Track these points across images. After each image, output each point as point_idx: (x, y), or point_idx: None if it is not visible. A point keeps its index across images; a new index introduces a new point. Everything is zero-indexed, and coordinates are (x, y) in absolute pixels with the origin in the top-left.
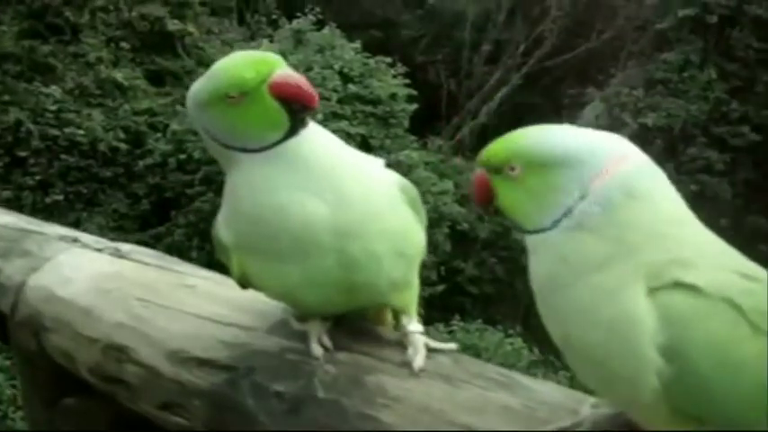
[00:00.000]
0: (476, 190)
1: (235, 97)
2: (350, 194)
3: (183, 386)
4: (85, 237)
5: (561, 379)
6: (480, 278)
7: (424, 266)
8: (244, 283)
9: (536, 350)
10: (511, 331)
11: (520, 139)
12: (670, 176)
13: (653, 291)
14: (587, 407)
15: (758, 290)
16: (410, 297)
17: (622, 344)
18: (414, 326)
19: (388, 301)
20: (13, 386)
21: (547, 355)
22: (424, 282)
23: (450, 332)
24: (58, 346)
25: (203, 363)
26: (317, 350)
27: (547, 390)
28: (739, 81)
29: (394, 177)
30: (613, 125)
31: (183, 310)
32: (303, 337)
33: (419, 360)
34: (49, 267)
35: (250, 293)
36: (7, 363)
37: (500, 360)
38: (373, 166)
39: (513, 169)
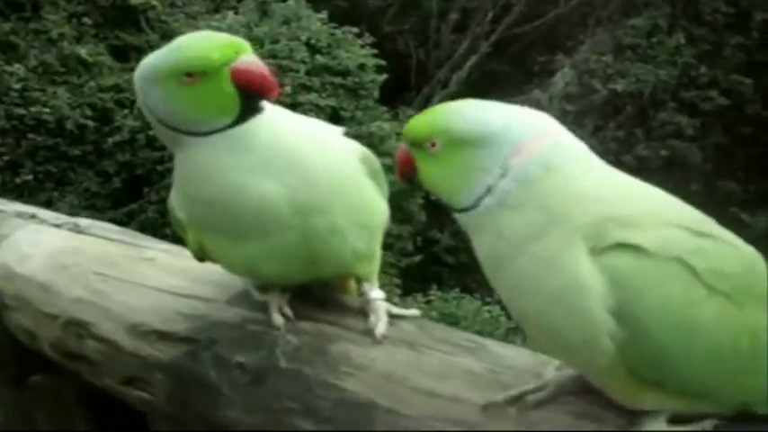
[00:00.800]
0: (398, 164)
1: (193, 76)
2: (310, 172)
3: (145, 360)
4: (43, 212)
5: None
6: (456, 248)
7: (399, 237)
8: (201, 257)
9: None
10: (488, 299)
11: (442, 116)
12: (641, 142)
13: (596, 252)
14: (551, 369)
15: (711, 247)
16: (373, 266)
17: (572, 309)
18: (375, 293)
19: (351, 270)
20: None
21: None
22: (401, 252)
23: (428, 302)
24: (19, 324)
25: (163, 336)
26: (278, 320)
27: (512, 354)
28: (708, 45)
29: (355, 148)
30: (583, 92)
31: (143, 284)
32: (264, 308)
33: (381, 327)
34: (6, 245)
35: (208, 265)
36: None
37: (478, 328)
38: (333, 137)
39: (433, 145)
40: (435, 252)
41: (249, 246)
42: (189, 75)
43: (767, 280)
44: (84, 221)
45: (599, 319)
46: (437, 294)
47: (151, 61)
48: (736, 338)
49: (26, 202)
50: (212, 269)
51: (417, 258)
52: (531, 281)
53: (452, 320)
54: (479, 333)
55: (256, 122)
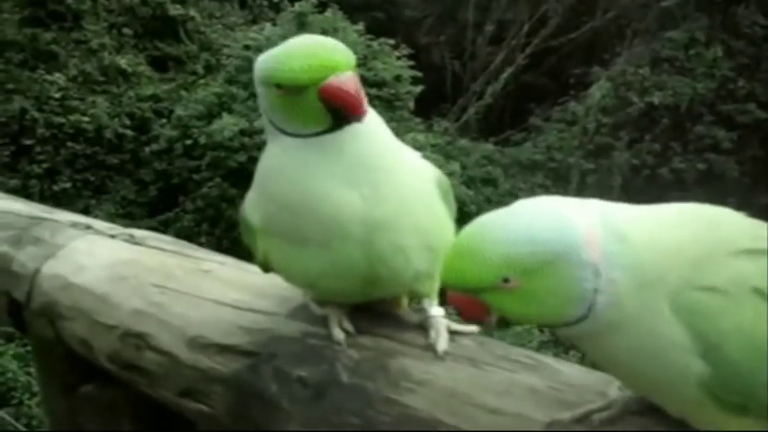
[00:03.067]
0: (466, 313)
1: (283, 89)
2: (385, 189)
3: (204, 373)
4: (98, 223)
5: (571, 358)
6: None
7: None
8: (266, 267)
9: (546, 330)
10: None
11: (497, 250)
12: (677, 155)
13: (674, 303)
14: (614, 388)
15: None
16: (434, 284)
17: (661, 362)
18: (435, 309)
19: (410, 290)
20: (28, 373)
21: (557, 335)
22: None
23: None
24: (75, 333)
25: (224, 349)
26: (338, 335)
27: (572, 371)
28: (745, 58)
29: (431, 171)
30: (619, 104)
31: (201, 296)
32: (324, 322)
33: (442, 343)
34: (62, 255)
35: (266, 278)
36: (21, 350)
37: (511, 341)
38: (412, 159)
39: (506, 282)
40: None
41: (313, 255)
42: (279, 87)
43: None
44: (138, 232)
45: (685, 362)
46: None
47: (260, 60)
48: None
49: (63, 210)
50: (271, 282)
51: None
52: (627, 353)
53: (499, 338)
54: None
55: (349, 131)
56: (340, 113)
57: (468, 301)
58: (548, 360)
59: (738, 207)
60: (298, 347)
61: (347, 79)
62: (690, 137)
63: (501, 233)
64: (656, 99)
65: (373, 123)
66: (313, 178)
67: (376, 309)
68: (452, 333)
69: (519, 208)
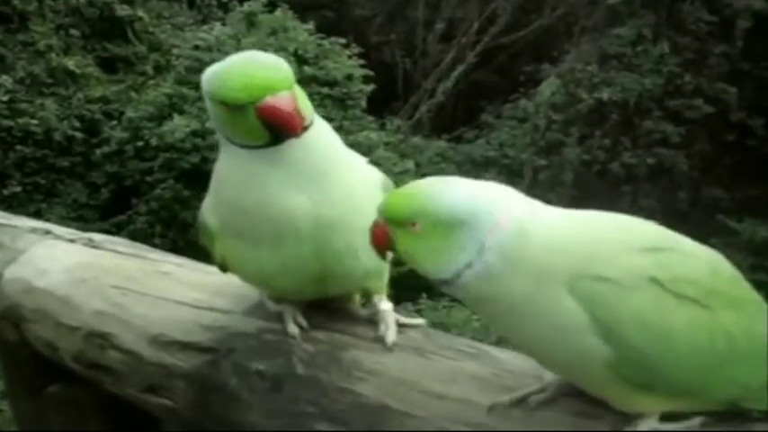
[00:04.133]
0: (373, 238)
1: (226, 105)
2: (333, 192)
3: (167, 369)
4: (57, 228)
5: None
6: None
7: None
8: (224, 267)
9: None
10: None
11: (423, 198)
12: (627, 150)
13: (573, 290)
14: (549, 373)
15: (672, 259)
16: (383, 282)
17: (569, 344)
18: (384, 304)
19: (362, 287)
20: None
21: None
22: (391, 262)
23: (419, 310)
24: (40, 336)
25: (185, 346)
26: (293, 329)
27: (512, 358)
28: (691, 54)
29: (377, 177)
30: (569, 101)
31: (161, 296)
32: (279, 318)
33: (391, 335)
34: (24, 260)
35: (223, 278)
36: None
37: (469, 336)
38: (359, 164)
39: (414, 225)
40: None
41: (266, 256)
42: (222, 103)
43: (733, 279)
44: (97, 237)
45: (590, 344)
46: (427, 303)
47: (205, 75)
48: (711, 338)
49: (14, 213)
50: (227, 282)
51: (407, 267)
52: (532, 332)
53: (443, 329)
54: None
55: (293, 142)
56: (276, 132)
57: (380, 230)
58: (488, 348)
59: (688, 200)
60: (255, 343)
61: (283, 99)
62: (639, 132)
63: (443, 191)
64: (605, 95)
65: (320, 131)
66: (263, 185)
67: (329, 305)
68: (401, 326)
69: (469, 182)
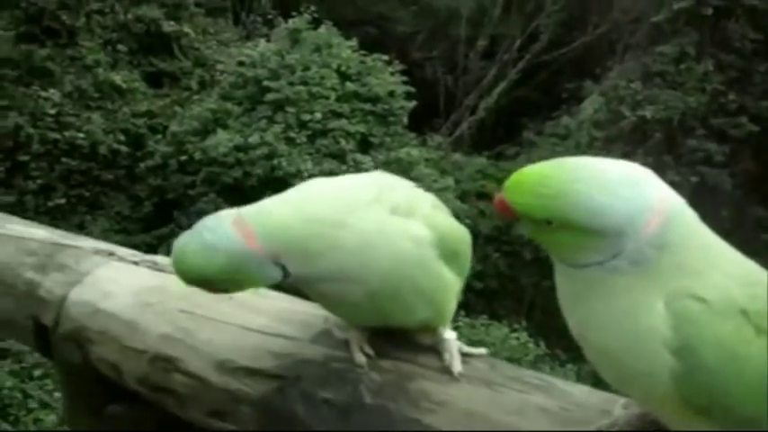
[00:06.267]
0: (499, 212)
1: None
2: (379, 268)
3: (233, 394)
4: (121, 250)
5: (568, 372)
6: (484, 273)
7: None
8: None
9: (542, 344)
10: (516, 326)
11: (562, 203)
12: (670, 168)
13: (669, 302)
14: (619, 407)
15: (761, 294)
16: (444, 320)
17: (640, 350)
18: (448, 333)
19: (421, 328)
20: (23, 390)
21: (553, 349)
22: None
23: (456, 328)
24: (104, 358)
25: (252, 372)
26: (360, 358)
27: (579, 392)
28: (736, 72)
29: (429, 236)
30: (612, 118)
31: (227, 321)
32: (346, 346)
33: (457, 364)
34: (88, 281)
35: (286, 303)
36: (16, 367)
37: (507, 355)
38: (406, 227)
39: (549, 223)
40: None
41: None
42: None
43: None
44: (160, 259)
45: (662, 357)
46: (465, 321)
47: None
48: None
49: (58, 225)
50: (291, 308)
51: None
52: (608, 325)
53: (481, 346)
54: (509, 359)
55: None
56: None
57: (504, 205)
58: (555, 381)
59: (732, 219)
60: (322, 371)
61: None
62: (682, 150)
63: (583, 195)
64: (648, 113)
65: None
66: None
67: (393, 332)
68: (464, 355)
69: (611, 177)
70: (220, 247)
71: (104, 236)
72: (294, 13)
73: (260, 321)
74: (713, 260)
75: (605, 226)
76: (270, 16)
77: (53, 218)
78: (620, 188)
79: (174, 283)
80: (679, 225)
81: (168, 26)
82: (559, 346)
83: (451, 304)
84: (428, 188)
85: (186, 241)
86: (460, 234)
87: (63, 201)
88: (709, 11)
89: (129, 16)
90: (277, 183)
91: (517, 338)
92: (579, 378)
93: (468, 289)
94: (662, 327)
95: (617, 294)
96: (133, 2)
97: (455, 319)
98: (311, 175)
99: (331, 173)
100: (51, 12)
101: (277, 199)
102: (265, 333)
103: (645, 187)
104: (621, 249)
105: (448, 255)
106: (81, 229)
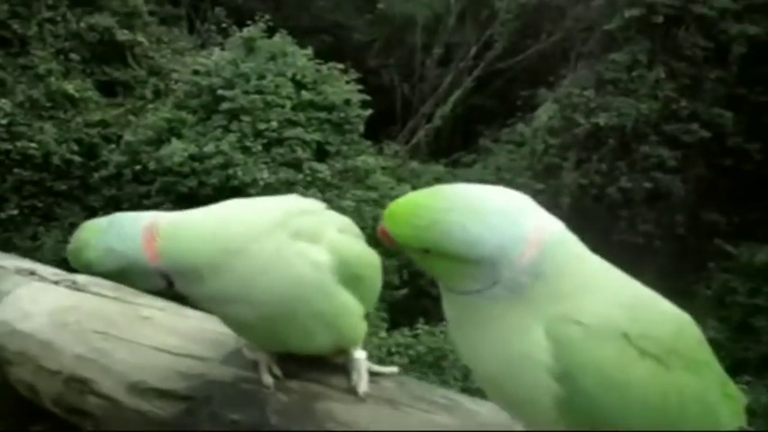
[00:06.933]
0: (383, 241)
1: None
2: (274, 290)
3: (144, 416)
4: (42, 269)
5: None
6: None
7: (386, 271)
8: None
9: None
10: None
11: (436, 234)
12: (624, 174)
13: (548, 327)
14: (520, 426)
15: (644, 316)
16: (351, 342)
17: (521, 377)
18: (358, 353)
19: (325, 354)
20: None
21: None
22: (387, 286)
23: (416, 335)
24: (21, 378)
25: (162, 393)
26: (267, 379)
27: (486, 411)
28: (687, 79)
29: (330, 260)
30: (566, 125)
31: (141, 342)
32: (255, 367)
33: (363, 385)
34: (8, 301)
35: (198, 322)
36: None
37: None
38: (306, 254)
39: (427, 251)
40: (422, 285)
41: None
42: None
43: (697, 343)
44: (81, 278)
45: (543, 383)
46: (424, 328)
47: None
48: (664, 396)
49: (11, 237)
50: (206, 327)
51: (404, 292)
52: (494, 353)
53: (440, 354)
54: (467, 367)
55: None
56: None
57: (386, 236)
58: (463, 400)
59: (685, 224)
60: (231, 391)
61: None
62: (636, 156)
63: (454, 224)
64: (601, 120)
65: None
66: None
67: None
68: (373, 374)
69: (481, 206)
70: (119, 250)
71: (58, 247)
72: (249, 22)
73: (171, 341)
74: (593, 284)
75: (479, 256)
76: (224, 25)
77: (6, 229)
78: (494, 218)
79: (91, 303)
80: (556, 254)
81: (122, 35)
82: None
83: (357, 328)
84: (385, 196)
85: (93, 233)
86: (365, 259)
87: (16, 212)
88: (660, 19)
89: (82, 25)
90: (233, 192)
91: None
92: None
93: (427, 296)
94: (542, 353)
95: (496, 321)
96: (86, 10)
97: (414, 326)
98: (267, 184)
99: (287, 182)
100: (2, 21)
101: (195, 216)
102: (176, 354)
103: (519, 217)
104: (498, 278)
105: (348, 279)
106: (34, 240)
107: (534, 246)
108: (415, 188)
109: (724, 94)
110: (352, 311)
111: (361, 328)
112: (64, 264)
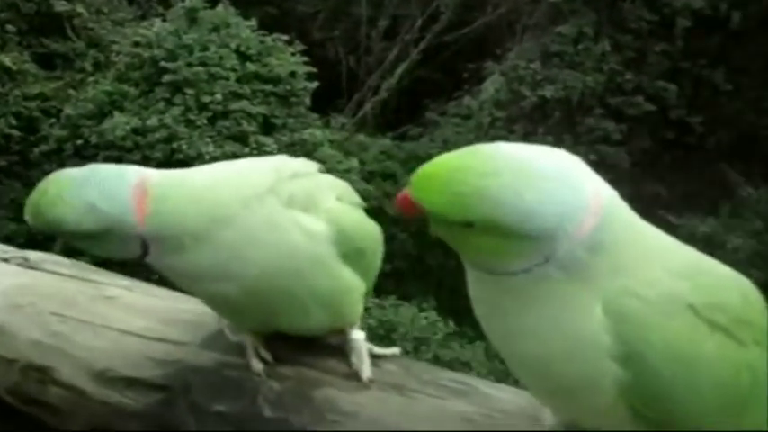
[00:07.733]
0: (403, 211)
1: None
2: (262, 267)
3: (114, 407)
4: None
5: (477, 349)
6: (392, 254)
7: None
8: None
9: (451, 323)
10: (425, 305)
11: (483, 203)
12: (569, 147)
13: (606, 304)
14: (547, 412)
15: (709, 283)
16: (348, 320)
17: (577, 361)
18: (355, 333)
19: (321, 331)
20: None
21: (462, 327)
22: None
23: (366, 309)
24: None
25: (133, 382)
26: (256, 365)
27: (503, 395)
28: (632, 52)
29: (328, 231)
30: (512, 98)
31: (106, 325)
32: (240, 351)
33: (366, 370)
34: None
35: (175, 302)
36: None
37: (417, 334)
38: (300, 223)
39: (469, 225)
40: None
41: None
42: None
43: (762, 309)
44: (34, 255)
45: (604, 366)
46: (374, 302)
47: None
48: (736, 372)
49: None
50: (180, 308)
51: None
52: (540, 333)
53: (390, 327)
54: (417, 339)
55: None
56: None
57: (407, 203)
58: (477, 383)
59: (630, 196)
60: (214, 379)
61: None
62: (581, 129)
63: (510, 195)
64: (547, 93)
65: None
66: (191, 275)
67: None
68: (375, 357)
69: (533, 170)
70: (102, 209)
71: (0, 224)
72: None
73: (142, 324)
74: (650, 253)
75: (537, 229)
76: None
77: None
78: (550, 183)
79: (47, 282)
80: (613, 222)
81: (60, 5)
82: (468, 324)
83: (356, 306)
84: (332, 170)
85: (66, 187)
86: (368, 231)
87: None
88: None
89: None
90: (178, 166)
91: (426, 318)
92: (488, 355)
93: None
94: (601, 333)
95: (547, 302)
96: None
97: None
98: (213, 158)
99: (233, 155)
100: None
101: (186, 176)
102: (147, 337)
103: (576, 181)
104: (552, 254)
105: (350, 253)
106: None
107: (594, 214)
108: (362, 162)
109: (668, 68)
110: (351, 288)
111: (361, 306)
112: (7, 241)
